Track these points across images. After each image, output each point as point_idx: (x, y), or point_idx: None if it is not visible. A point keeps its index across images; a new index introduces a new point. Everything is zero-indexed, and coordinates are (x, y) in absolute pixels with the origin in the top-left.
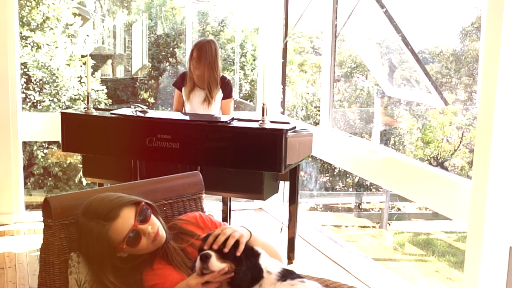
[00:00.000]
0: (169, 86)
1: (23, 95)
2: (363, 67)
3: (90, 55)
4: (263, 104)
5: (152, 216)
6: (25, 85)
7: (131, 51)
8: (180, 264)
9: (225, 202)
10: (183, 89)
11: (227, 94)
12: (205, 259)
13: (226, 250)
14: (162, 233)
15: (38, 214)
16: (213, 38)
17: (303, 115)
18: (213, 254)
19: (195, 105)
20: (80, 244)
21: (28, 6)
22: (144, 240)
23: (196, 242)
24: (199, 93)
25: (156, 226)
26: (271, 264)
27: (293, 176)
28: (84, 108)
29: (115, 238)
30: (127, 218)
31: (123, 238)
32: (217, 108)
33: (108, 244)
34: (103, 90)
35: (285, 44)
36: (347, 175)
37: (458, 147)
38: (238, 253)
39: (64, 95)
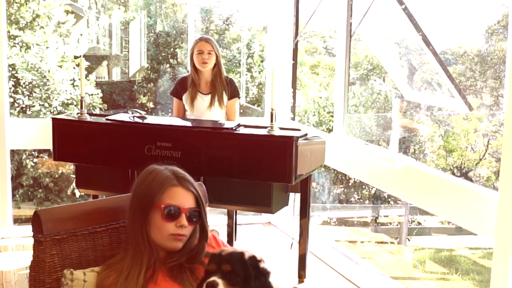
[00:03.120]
0: (170, 90)
1: (11, 100)
2: (380, 69)
3: (84, 56)
4: (272, 109)
5: (193, 228)
6: (13, 88)
7: (128, 51)
8: (184, 284)
9: (230, 216)
10: (183, 96)
11: (232, 93)
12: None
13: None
14: (181, 244)
15: (28, 229)
16: (218, 37)
17: (315, 121)
18: (220, 282)
19: (199, 112)
20: (141, 182)
21: (16, 3)
22: (171, 226)
23: (204, 259)
24: (202, 99)
25: (189, 235)
26: (282, 283)
27: (304, 188)
28: (78, 113)
29: (165, 195)
30: (187, 197)
31: (168, 203)
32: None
33: (162, 194)
34: (98, 94)
35: (296, 44)
36: (363, 187)
37: (484, 156)
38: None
39: (56, 99)
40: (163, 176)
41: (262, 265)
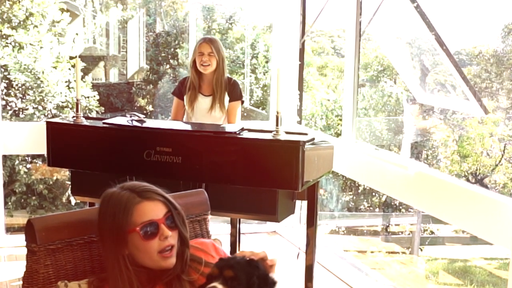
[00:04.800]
0: (170, 92)
1: (3, 102)
2: (391, 70)
3: (80, 56)
4: (277, 113)
5: (177, 233)
6: (5, 90)
7: (126, 51)
8: None
9: (234, 225)
10: (184, 97)
11: (235, 96)
12: None
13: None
14: (174, 258)
15: (20, 238)
16: (220, 37)
17: (322, 125)
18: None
19: (200, 114)
20: (104, 212)
21: (9, 0)
22: (156, 242)
23: (205, 270)
24: (203, 101)
25: (175, 243)
26: None
27: (311, 195)
28: (73, 117)
29: (135, 216)
30: (157, 207)
31: (141, 222)
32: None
33: (131, 217)
34: (94, 96)
35: (302, 44)
36: (373, 194)
37: (500, 161)
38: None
39: (50, 102)
40: (123, 199)
41: (270, 275)
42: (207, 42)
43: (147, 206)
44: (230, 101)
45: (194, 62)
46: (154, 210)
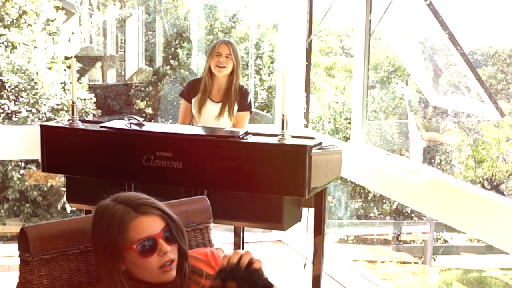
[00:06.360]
0: (170, 94)
1: None
2: (403, 71)
3: (76, 56)
4: (283, 116)
5: (176, 247)
6: None
7: (124, 52)
8: None
9: (237, 233)
10: (193, 100)
11: (244, 106)
12: None
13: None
14: (174, 271)
15: (13, 247)
16: (223, 36)
17: (330, 129)
18: None
19: (207, 120)
20: (98, 227)
21: None
22: (154, 258)
23: (206, 282)
24: (212, 107)
25: (175, 257)
26: None
27: (318, 202)
28: (69, 120)
29: (131, 232)
30: (154, 222)
31: (138, 239)
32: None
33: (126, 235)
34: (91, 98)
35: (309, 44)
36: (384, 201)
37: None
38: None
39: (45, 104)
40: (117, 214)
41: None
42: (226, 44)
43: (143, 222)
44: (238, 110)
45: (209, 63)
46: (151, 225)
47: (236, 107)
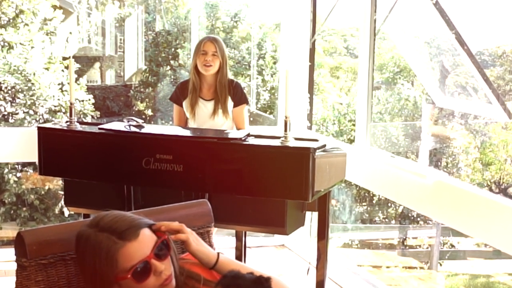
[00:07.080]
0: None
1: None
2: (409, 72)
3: (74, 57)
4: (286, 117)
5: (169, 259)
6: None
7: (123, 52)
8: None
9: (239, 238)
10: (184, 103)
11: (239, 99)
12: None
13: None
14: (173, 280)
15: (10, 252)
16: (225, 36)
17: (334, 131)
18: None
19: (201, 120)
20: (82, 258)
21: None
22: (152, 279)
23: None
24: (205, 106)
25: (170, 269)
26: None
27: (322, 206)
28: (67, 122)
29: (121, 262)
30: (143, 244)
31: (130, 266)
32: (230, 121)
33: (115, 265)
34: (89, 100)
35: (313, 44)
36: (389, 204)
37: None
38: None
39: (42, 106)
40: (102, 245)
41: None
42: (211, 41)
43: (132, 248)
44: (234, 105)
45: (195, 62)
46: (140, 249)
47: (231, 104)
